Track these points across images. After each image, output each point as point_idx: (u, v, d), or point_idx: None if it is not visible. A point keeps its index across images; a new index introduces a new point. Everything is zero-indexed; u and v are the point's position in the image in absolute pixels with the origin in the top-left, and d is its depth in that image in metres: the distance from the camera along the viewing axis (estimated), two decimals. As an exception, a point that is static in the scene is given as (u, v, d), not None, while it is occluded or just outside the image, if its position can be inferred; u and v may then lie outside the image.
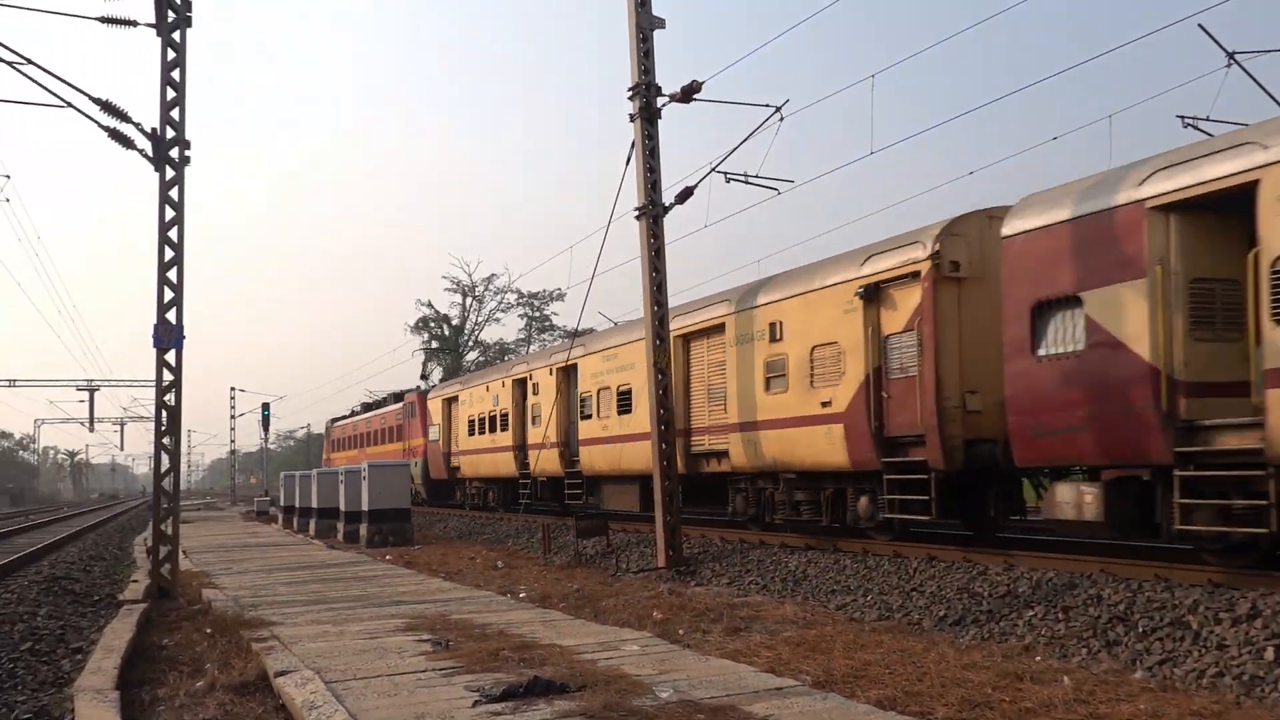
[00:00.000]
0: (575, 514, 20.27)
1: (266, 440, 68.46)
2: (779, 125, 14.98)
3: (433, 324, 68.18)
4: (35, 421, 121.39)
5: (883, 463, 12.89)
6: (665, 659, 7.69)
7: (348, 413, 52.52)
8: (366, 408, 47.44)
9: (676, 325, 17.53)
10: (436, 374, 64.75)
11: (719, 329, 16.85)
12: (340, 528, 23.64)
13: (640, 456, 18.15)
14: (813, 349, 14.21)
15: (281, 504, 32.76)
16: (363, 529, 21.91)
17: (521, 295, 66.15)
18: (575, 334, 22.08)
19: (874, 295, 13.17)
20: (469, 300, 67.98)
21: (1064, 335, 10.56)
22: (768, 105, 14.95)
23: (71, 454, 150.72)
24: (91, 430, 74.48)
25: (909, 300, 12.66)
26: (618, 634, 9.01)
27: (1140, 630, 8.14)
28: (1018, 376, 10.99)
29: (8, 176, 18.64)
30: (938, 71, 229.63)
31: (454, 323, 68.44)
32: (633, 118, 15.11)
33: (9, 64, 12.58)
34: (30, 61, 12.62)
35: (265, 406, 63.72)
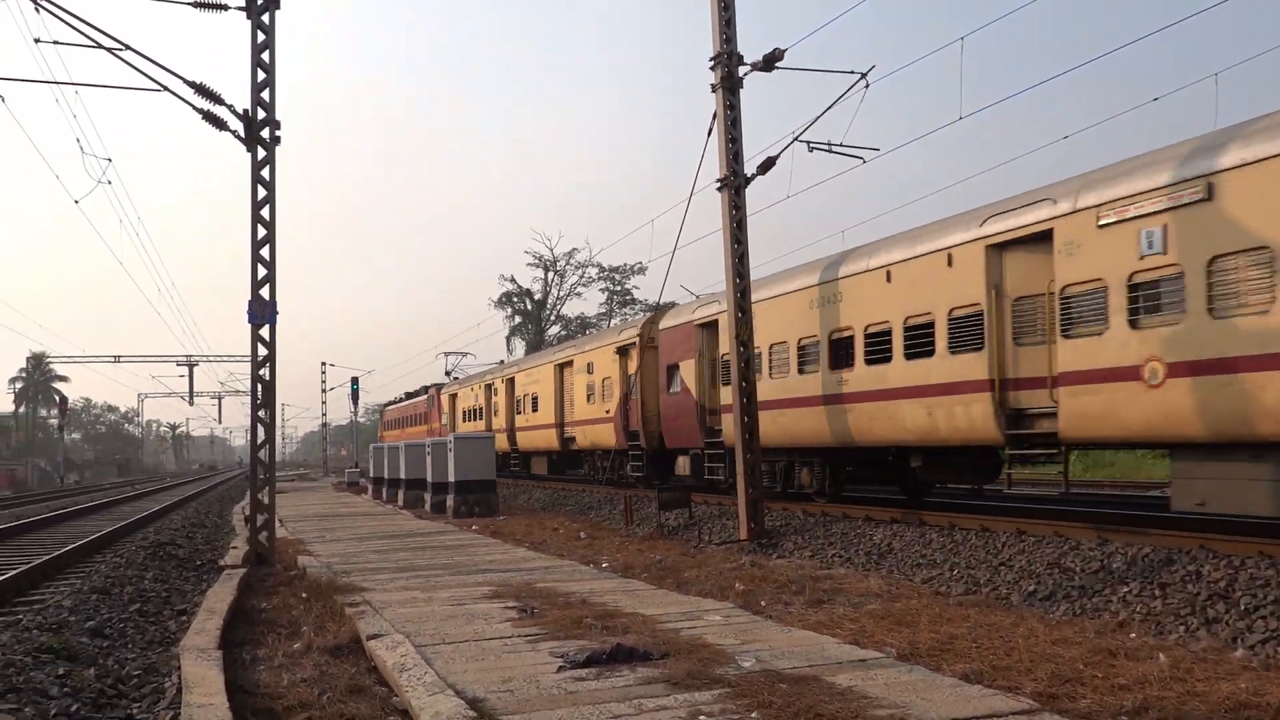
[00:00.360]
0: (657, 487, 20.42)
1: (356, 413, 70.23)
2: (864, 92, 14.73)
3: (515, 298, 68.94)
4: (139, 396, 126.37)
5: (627, 445, 23.60)
6: (747, 629, 7.70)
7: (394, 399, 62.57)
8: (408, 396, 56.78)
9: (555, 359, 29.48)
10: (520, 348, 65.60)
11: (571, 363, 28.02)
12: (428, 498, 24.16)
13: (541, 438, 30.49)
14: (603, 379, 25.09)
15: (371, 475, 33.61)
16: (449, 499, 22.34)
17: (603, 269, 66.44)
18: (657, 307, 22.69)
19: (624, 352, 23.77)
20: (550, 275, 68.55)
21: (674, 384, 20.71)
22: (852, 72, 14.69)
23: (173, 427, 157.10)
24: (191, 404, 77.52)
25: (634, 358, 22.81)
26: (700, 604, 9.06)
27: (1242, 608, 7.87)
28: (664, 404, 21.51)
29: (109, 159, 19.29)
30: (1031, 32, 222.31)
31: (536, 297, 69.09)
32: (714, 88, 14.97)
33: (109, 50, 13.02)
34: (128, 47, 13.04)
35: (354, 381, 65.40)
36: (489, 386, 36.70)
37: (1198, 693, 5.65)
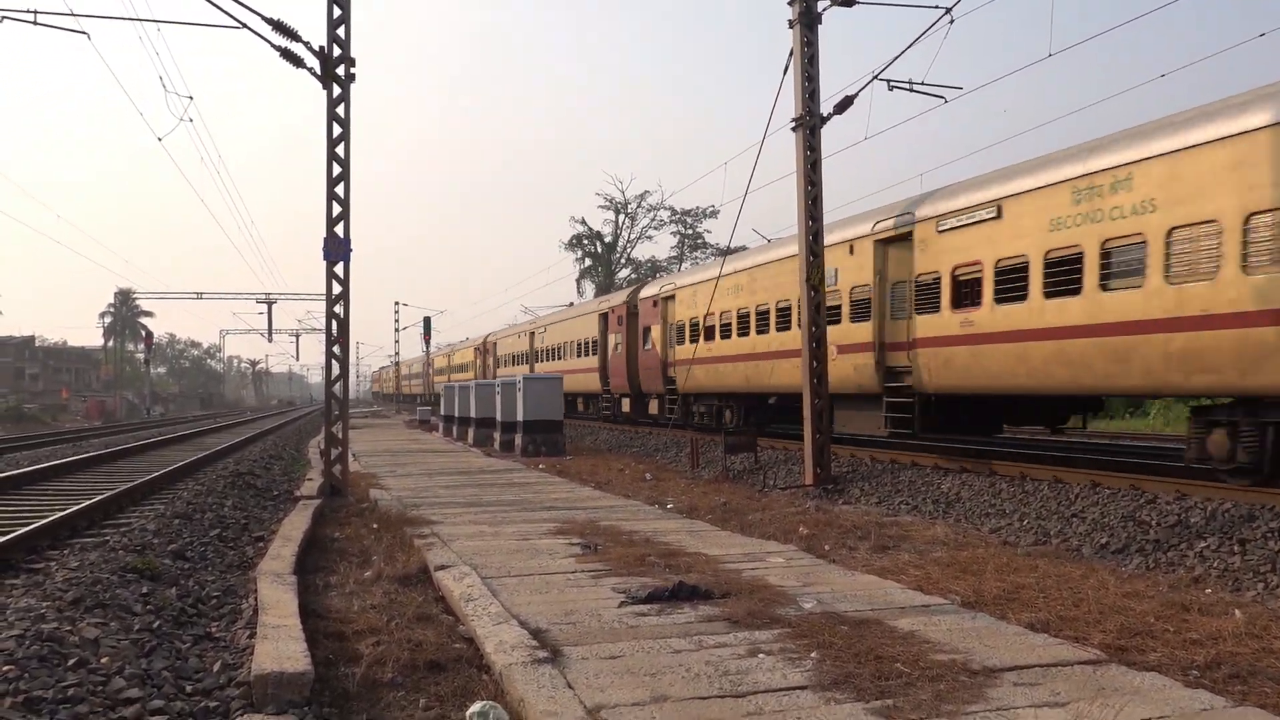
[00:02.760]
0: (725, 430, 20.42)
1: (428, 352, 71.29)
2: (948, 28, 14.21)
3: (586, 241, 68.95)
4: (220, 332, 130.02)
5: (604, 389, 31.27)
6: (810, 572, 7.69)
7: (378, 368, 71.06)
8: (381, 368, 67.01)
9: (550, 320, 39.64)
10: (589, 290, 65.80)
11: (562, 323, 36.50)
12: (497, 437, 24.52)
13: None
14: (587, 340, 32.59)
15: (442, 413, 34.20)
16: (518, 438, 22.64)
17: (674, 212, 66.00)
18: (727, 251, 22.45)
19: (605, 318, 30.64)
20: (621, 218, 68.34)
21: (645, 343, 26.62)
22: (936, 6, 14.16)
23: (253, 363, 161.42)
24: (270, 340, 79.59)
25: (618, 322, 28.84)
26: (763, 546, 9.07)
27: (1325, 567, 7.62)
28: (640, 359, 27.19)
29: (190, 98, 19.62)
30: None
31: (607, 240, 69.00)
32: (791, 23, 14.60)
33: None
34: (208, -17, 13.15)
35: (427, 320, 66.27)
36: (534, 333, 42.62)
37: (1274, 650, 5.50)
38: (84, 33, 15.22)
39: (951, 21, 14.02)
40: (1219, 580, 7.89)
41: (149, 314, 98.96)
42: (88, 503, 11.49)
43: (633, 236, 68.83)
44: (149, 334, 76.16)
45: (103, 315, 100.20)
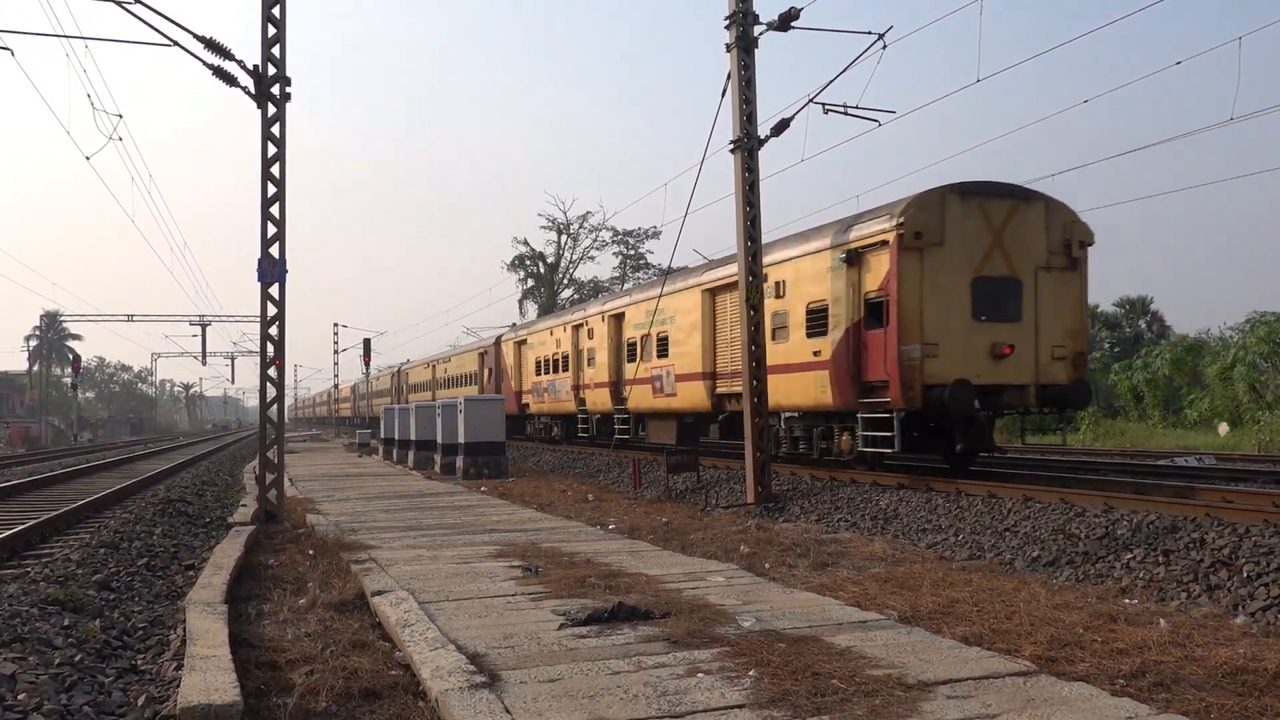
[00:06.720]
0: (667, 451, 20.43)
1: (368, 374, 70.40)
2: (881, 54, 14.48)
3: (528, 261, 68.75)
4: (152, 355, 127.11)
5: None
6: (750, 591, 7.73)
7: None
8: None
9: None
10: (532, 311, 65.63)
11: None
12: (438, 460, 24.25)
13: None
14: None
15: (382, 436, 33.75)
16: (459, 461, 22.43)
17: (616, 233, 66.12)
18: (667, 272, 22.37)
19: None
20: (564, 238, 68.28)
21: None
22: (869, 32, 14.44)
23: (186, 387, 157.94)
24: (204, 364, 77.92)
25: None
26: (704, 565, 9.09)
27: (1245, 575, 7.84)
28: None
29: (120, 116, 19.17)
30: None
31: (549, 260, 68.89)
32: (729, 47, 14.78)
33: (118, 3, 12.92)
34: (139, 1, 12.94)
35: (366, 342, 65.50)
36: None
37: (1196, 657, 5.65)
38: (7, 48, 14.86)
39: (884, 47, 14.34)
40: (1145, 590, 8.09)
41: (77, 337, 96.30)
42: (8, 533, 11.13)
43: (575, 257, 68.80)
44: (77, 357, 74.18)
45: (28, 338, 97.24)
